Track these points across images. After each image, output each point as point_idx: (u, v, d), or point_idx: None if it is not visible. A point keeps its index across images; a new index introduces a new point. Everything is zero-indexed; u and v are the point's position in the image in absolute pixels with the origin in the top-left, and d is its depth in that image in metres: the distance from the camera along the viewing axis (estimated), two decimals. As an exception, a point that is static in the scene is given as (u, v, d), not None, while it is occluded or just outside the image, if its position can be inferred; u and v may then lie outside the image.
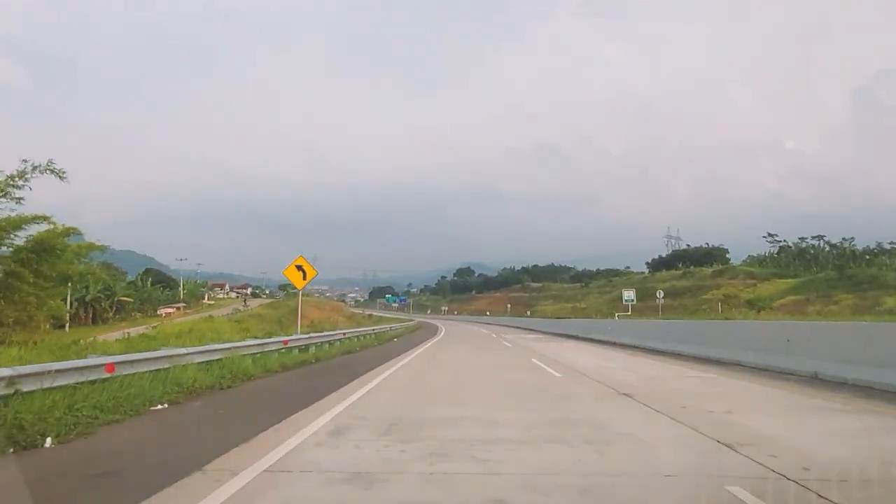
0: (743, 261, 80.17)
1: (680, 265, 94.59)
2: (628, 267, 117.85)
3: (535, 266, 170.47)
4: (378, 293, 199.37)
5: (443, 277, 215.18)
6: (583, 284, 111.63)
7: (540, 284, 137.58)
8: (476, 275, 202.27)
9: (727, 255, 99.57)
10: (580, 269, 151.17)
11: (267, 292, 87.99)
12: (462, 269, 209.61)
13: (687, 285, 67.54)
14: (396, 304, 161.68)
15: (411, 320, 58.65)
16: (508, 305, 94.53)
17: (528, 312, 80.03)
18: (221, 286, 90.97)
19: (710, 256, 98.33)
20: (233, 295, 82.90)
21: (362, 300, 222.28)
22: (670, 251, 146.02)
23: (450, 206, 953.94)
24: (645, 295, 74.46)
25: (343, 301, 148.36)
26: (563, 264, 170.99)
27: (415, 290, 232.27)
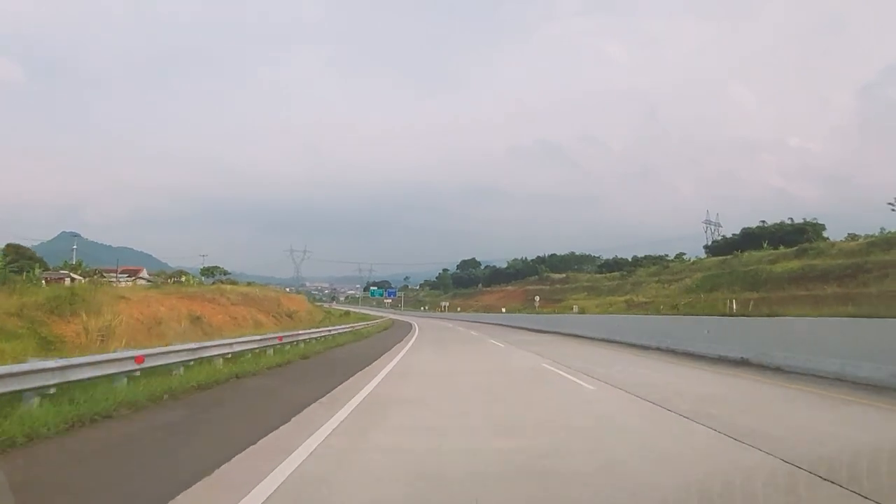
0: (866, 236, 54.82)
1: (765, 244, 69.14)
2: (680, 254, 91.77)
3: (553, 255, 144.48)
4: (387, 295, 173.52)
5: (444, 270, 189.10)
6: (623, 274, 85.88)
7: (563, 275, 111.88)
8: (482, 267, 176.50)
9: (824, 233, 74.56)
10: (607, 258, 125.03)
11: (196, 279, 63.07)
12: (466, 262, 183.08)
13: (833, 265, 42.01)
14: (389, 300, 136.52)
15: (381, 317, 33.96)
16: (537, 298, 68.14)
17: (575, 308, 54.28)
18: (135, 272, 65.95)
19: (801, 233, 73.17)
20: (142, 282, 57.92)
21: (359, 297, 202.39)
22: (712, 238, 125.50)
23: (452, 204, 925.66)
24: (757, 283, 49.05)
25: (308, 294, 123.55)
26: (585, 253, 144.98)
27: (414, 285, 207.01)
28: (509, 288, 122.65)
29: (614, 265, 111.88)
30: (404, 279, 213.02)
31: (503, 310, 70.23)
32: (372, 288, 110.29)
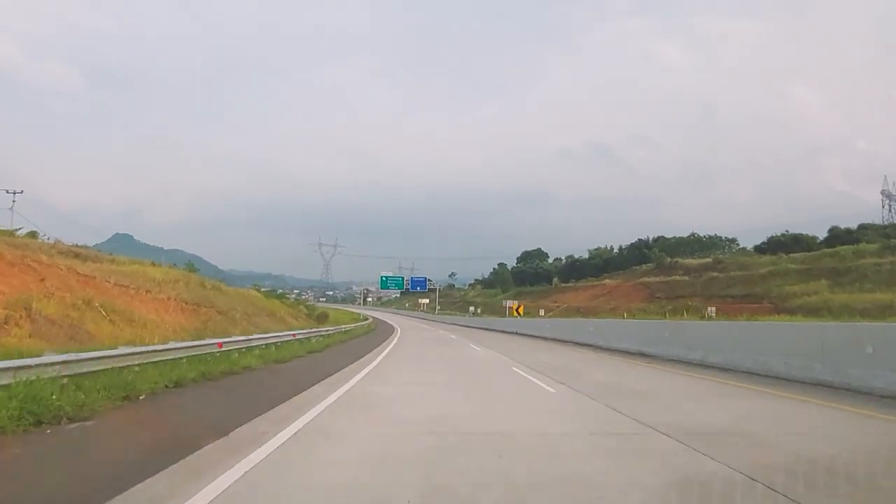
0: None
1: None
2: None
3: (661, 239, 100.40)
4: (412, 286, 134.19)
5: (500, 264, 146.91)
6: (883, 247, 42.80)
7: (707, 259, 68.83)
8: (551, 260, 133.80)
9: None
10: (773, 234, 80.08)
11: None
12: (530, 253, 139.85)
13: None
14: (426, 299, 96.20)
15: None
16: None
17: None
18: None
19: None
20: None
21: (393, 298, 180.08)
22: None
23: (500, 206, 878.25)
24: None
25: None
26: (712, 234, 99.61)
27: (461, 284, 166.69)
28: (608, 282, 79.96)
29: (792, 244, 67.58)
30: (449, 276, 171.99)
31: (711, 311, 28.60)
32: (383, 276, 67.26)
